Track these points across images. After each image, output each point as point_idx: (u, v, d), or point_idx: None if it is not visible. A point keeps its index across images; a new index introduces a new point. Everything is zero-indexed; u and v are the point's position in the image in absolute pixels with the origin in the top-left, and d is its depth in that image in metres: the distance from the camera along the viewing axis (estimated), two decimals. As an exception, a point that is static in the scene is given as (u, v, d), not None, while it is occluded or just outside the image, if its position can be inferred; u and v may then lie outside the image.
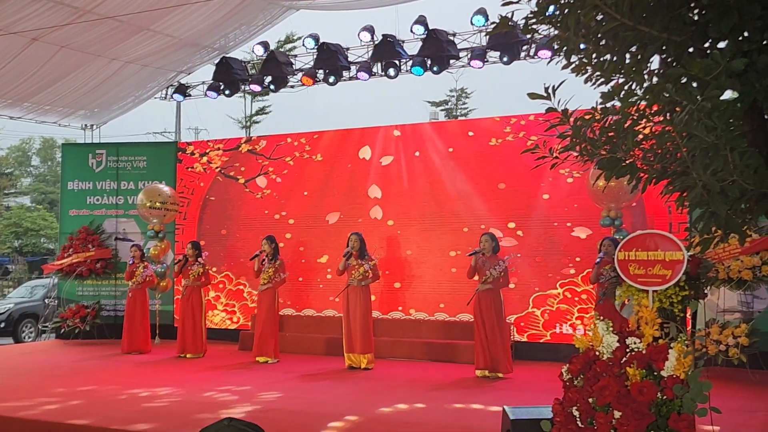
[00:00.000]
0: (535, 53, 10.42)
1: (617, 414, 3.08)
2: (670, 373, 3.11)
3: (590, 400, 3.20)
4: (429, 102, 29.17)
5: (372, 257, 9.71)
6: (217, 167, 12.81)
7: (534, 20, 4.35)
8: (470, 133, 11.07)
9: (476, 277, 8.96)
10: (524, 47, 10.53)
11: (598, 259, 8.71)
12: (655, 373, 3.17)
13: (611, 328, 3.42)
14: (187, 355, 10.60)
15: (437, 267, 10.99)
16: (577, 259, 10.05)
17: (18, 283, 26.76)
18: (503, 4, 4.38)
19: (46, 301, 14.48)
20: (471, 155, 10.94)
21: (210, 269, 11.13)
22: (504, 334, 8.86)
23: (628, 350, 3.28)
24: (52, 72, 11.62)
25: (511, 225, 10.50)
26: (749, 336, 8.10)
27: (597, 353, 3.36)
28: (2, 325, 15.54)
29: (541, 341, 10.23)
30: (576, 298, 10.01)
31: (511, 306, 10.02)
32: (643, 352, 3.23)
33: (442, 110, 28.35)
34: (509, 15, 4.44)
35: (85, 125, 14.29)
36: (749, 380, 7.99)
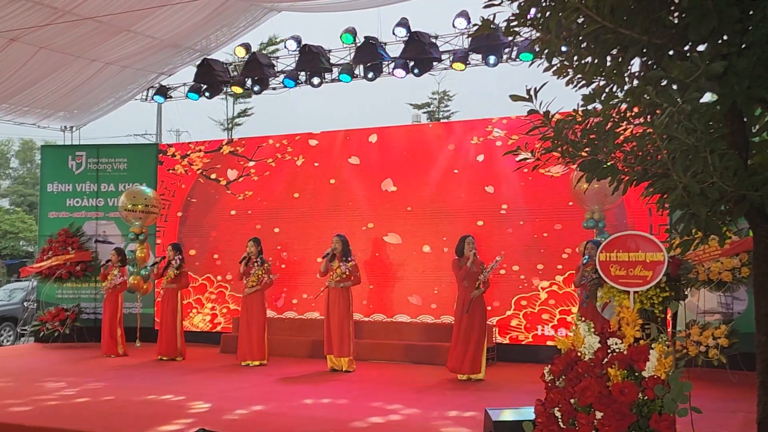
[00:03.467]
0: (517, 56, 10.46)
1: (599, 414, 3.08)
2: (651, 374, 3.12)
3: (572, 400, 3.20)
4: (411, 105, 29.18)
5: (351, 258, 9.66)
6: (198, 169, 12.74)
7: (515, 23, 4.37)
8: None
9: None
10: (506, 50, 10.56)
11: (583, 261, 8.71)
12: (637, 374, 3.18)
13: (593, 329, 3.43)
14: (164, 358, 10.54)
15: (419, 269, 10.99)
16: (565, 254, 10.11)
17: (-4, 286, 26.46)
18: (485, 6, 4.39)
19: (25, 304, 14.32)
20: (451, 157, 10.96)
21: (187, 271, 11.03)
22: (485, 337, 8.85)
23: (609, 351, 3.29)
24: (31, 73, 11.50)
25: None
26: (729, 337, 8.15)
27: (579, 354, 3.37)
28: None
29: (523, 343, 10.27)
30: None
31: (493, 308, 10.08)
32: (625, 352, 3.24)
33: (424, 113, 28.38)
34: (491, 17, 4.46)
35: (65, 127, 14.16)
36: (729, 381, 8.04)
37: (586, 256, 8.72)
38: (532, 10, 4.30)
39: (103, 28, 10.76)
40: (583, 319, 3.61)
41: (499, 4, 4.36)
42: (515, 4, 4.34)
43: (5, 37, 10.28)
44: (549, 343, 9.97)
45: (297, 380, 8.90)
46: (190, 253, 12.43)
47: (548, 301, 10.14)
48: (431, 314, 10.83)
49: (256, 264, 10.09)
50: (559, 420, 3.26)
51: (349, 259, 9.58)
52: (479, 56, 10.82)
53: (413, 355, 10.31)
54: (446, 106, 28.88)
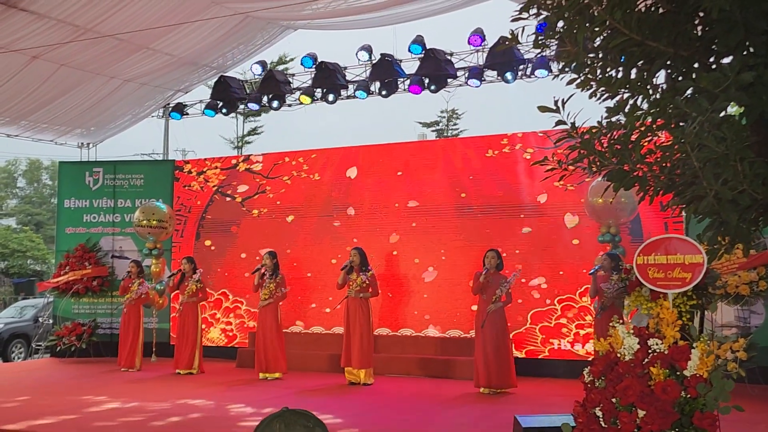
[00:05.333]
0: (532, 72, 10.57)
1: (641, 413, 3.14)
2: (693, 373, 3.18)
3: (613, 400, 3.26)
4: (420, 123, 29.33)
5: (369, 269, 9.73)
6: (214, 186, 12.85)
7: (543, 36, 4.46)
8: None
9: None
10: (521, 67, 10.68)
11: (592, 270, 8.76)
12: (678, 373, 3.25)
13: (632, 332, 3.50)
14: (182, 372, 10.59)
15: (434, 283, 11.05)
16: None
17: (4, 304, 26.52)
18: (512, 20, 4.48)
19: (39, 320, 14.40)
20: (468, 172, 11.06)
21: (205, 286, 11.12)
22: (508, 349, 8.89)
23: (650, 351, 3.36)
24: (51, 90, 11.66)
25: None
26: (747, 351, 8.16)
27: (618, 355, 3.43)
28: (-9, 345, 15.41)
29: (540, 357, 10.29)
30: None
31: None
32: (665, 352, 3.30)
33: (432, 131, 28.50)
34: (517, 31, 4.55)
35: (81, 144, 14.29)
36: (748, 394, 8.05)
37: (597, 266, 8.78)
38: (560, 23, 4.39)
39: (123, 45, 10.93)
40: (621, 322, 3.66)
41: (527, 18, 4.45)
42: (540, 17, 4.44)
43: (28, 54, 10.45)
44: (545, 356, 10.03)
45: (317, 392, 8.93)
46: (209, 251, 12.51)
47: (564, 316, 10.18)
48: (451, 328, 10.87)
49: (267, 276, 10.17)
50: (601, 419, 3.32)
51: (368, 269, 9.66)
52: (494, 73, 10.94)
53: (429, 369, 10.35)
54: (455, 124, 29.05)
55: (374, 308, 10.41)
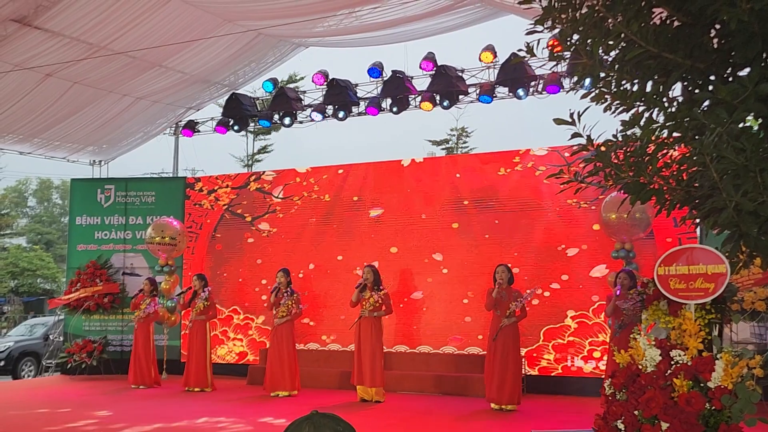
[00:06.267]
0: (543, 89, 10.57)
1: (664, 425, 3.09)
2: (718, 384, 3.13)
3: (636, 412, 3.21)
4: (430, 141, 29.35)
5: (382, 288, 9.70)
6: (224, 204, 12.86)
7: (559, 49, 4.45)
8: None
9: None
10: (533, 83, 10.67)
11: (616, 293, 8.64)
12: (702, 385, 3.20)
13: (653, 344, 3.45)
14: (195, 389, 10.54)
15: (447, 300, 11.00)
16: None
17: (14, 323, 26.55)
18: (527, 33, 4.48)
19: (50, 337, 14.40)
20: (479, 188, 11.03)
21: (214, 303, 11.10)
22: (517, 366, 8.81)
23: (672, 363, 3.31)
24: (65, 108, 11.73)
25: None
26: (764, 367, 8.06)
27: (639, 367, 3.38)
28: (2, 363, 15.36)
29: (552, 374, 10.20)
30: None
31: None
32: (689, 364, 3.25)
33: (442, 149, 28.50)
34: (532, 44, 4.54)
35: (93, 161, 14.35)
36: (765, 412, 7.94)
37: (619, 287, 8.69)
38: (574, 36, 4.38)
39: (136, 63, 11.01)
40: (642, 333, 3.62)
41: (541, 31, 4.44)
42: (555, 31, 4.43)
43: (42, 72, 10.52)
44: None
45: (330, 409, 8.86)
46: (223, 273, 12.51)
47: (577, 333, 10.10)
48: (462, 345, 10.80)
49: (285, 295, 10.15)
50: (623, 432, 3.27)
51: (381, 288, 9.62)
52: (505, 89, 10.93)
53: (442, 386, 10.26)
54: (465, 142, 29.06)
55: (387, 326, 10.37)
